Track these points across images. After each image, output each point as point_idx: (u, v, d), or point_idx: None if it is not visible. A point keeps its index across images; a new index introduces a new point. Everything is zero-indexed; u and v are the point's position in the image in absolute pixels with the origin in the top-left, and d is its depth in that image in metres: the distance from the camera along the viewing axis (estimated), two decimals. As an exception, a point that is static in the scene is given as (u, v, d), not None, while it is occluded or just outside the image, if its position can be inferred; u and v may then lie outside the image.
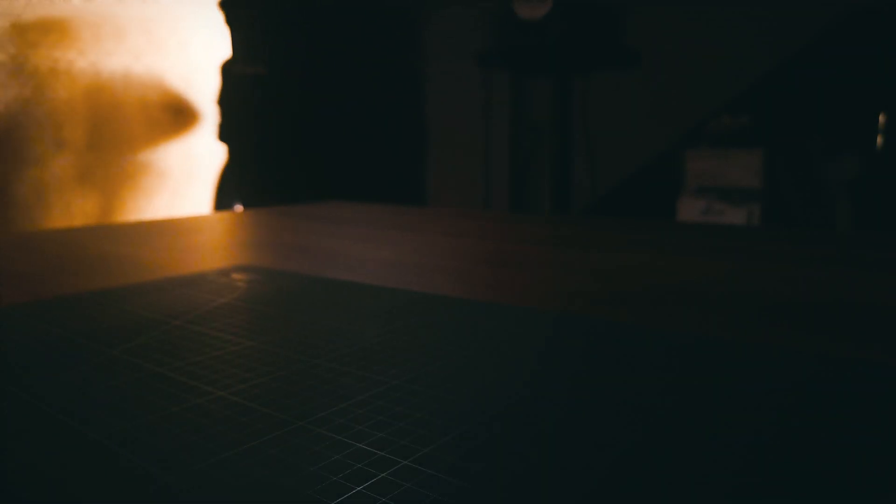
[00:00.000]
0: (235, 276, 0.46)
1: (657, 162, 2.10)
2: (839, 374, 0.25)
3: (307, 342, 0.30)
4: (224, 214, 0.91)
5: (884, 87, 1.70)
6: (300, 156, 2.15)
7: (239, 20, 1.98)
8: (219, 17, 2.01)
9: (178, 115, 1.92)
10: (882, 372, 0.25)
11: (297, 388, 0.24)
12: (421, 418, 0.21)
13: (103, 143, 1.87)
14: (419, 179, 2.65)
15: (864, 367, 0.25)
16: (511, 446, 0.19)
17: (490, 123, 2.50)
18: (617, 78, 2.09)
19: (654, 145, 2.11)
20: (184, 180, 2.01)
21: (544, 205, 1.91)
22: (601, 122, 2.18)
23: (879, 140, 1.72)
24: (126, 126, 1.91)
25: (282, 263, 0.52)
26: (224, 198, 2.05)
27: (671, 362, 0.26)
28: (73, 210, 1.77)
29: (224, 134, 2.02)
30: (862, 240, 0.59)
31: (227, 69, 2.02)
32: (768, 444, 0.19)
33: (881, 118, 1.71)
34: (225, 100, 2.02)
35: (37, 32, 1.66)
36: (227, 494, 0.17)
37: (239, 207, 2.11)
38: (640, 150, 2.16)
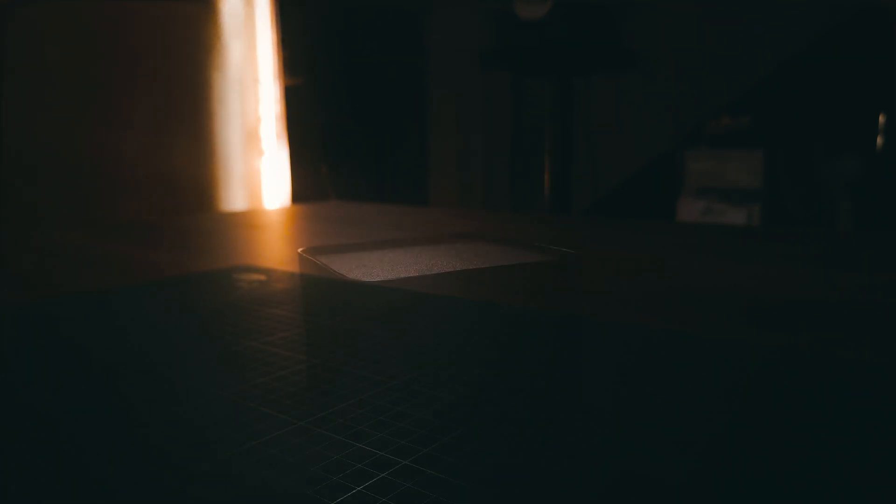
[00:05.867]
0: (236, 276, 0.46)
1: (657, 162, 2.10)
2: (836, 375, 0.25)
3: (307, 342, 0.30)
4: (224, 215, 0.91)
5: (884, 88, 1.70)
6: (300, 156, 2.15)
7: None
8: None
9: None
10: (875, 372, 0.25)
11: (297, 388, 0.24)
12: (421, 418, 0.21)
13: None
14: (419, 179, 2.65)
15: (862, 368, 0.25)
16: (512, 446, 0.19)
17: (490, 123, 2.50)
18: (617, 78, 2.09)
19: (654, 146, 2.11)
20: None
21: (544, 205, 1.91)
22: (601, 122, 2.18)
23: (880, 141, 1.72)
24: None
25: (282, 263, 0.52)
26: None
27: (671, 362, 0.26)
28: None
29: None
30: (861, 240, 0.59)
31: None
32: (761, 444, 0.19)
33: (881, 119, 1.71)
34: None
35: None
36: (228, 494, 0.17)
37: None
38: (640, 151, 2.16)
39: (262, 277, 0.45)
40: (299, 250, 0.24)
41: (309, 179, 2.12)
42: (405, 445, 0.20)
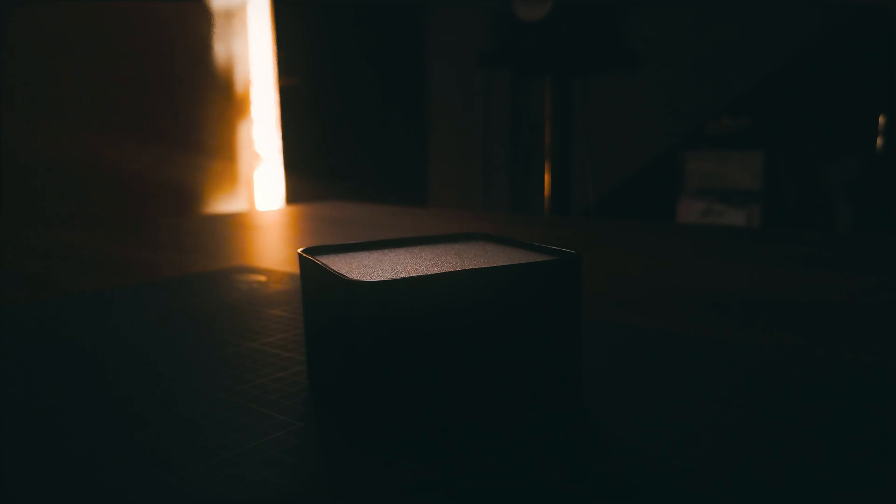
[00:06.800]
0: (236, 276, 0.46)
1: (657, 163, 2.10)
2: (827, 375, 0.25)
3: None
4: (224, 216, 0.91)
5: (884, 89, 1.70)
6: (299, 157, 2.16)
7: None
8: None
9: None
10: (870, 372, 0.25)
11: (297, 388, 0.24)
12: (421, 419, 0.21)
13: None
14: (419, 179, 2.65)
15: (853, 368, 0.25)
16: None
17: (490, 123, 2.50)
18: (617, 79, 2.09)
19: (654, 146, 2.11)
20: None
21: (544, 205, 1.91)
22: (601, 123, 2.18)
23: (879, 142, 1.72)
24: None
25: (282, 264, 0.52)
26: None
27: (670, 363, 0.26)
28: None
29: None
30: (861, 242, 0.59)
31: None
32: (761, 444, 0.19)
33: (881, 120, 1.71)
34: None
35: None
36: (228, 495, 0.17)
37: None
38: (639, 152, 2.16)
39: (262, 278, 0.45)
40: (299, 251, 0.24)
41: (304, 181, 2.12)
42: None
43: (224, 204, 1.90)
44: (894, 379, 0.24)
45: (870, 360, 0.27)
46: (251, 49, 1.97)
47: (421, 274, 0.20)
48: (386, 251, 0.26)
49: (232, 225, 0.78)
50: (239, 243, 0.63)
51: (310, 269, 0.23)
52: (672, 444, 0.19)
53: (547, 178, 1.87)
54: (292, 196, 2.10)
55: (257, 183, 2.02)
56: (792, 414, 0.21)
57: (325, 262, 0.23)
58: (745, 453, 0.19)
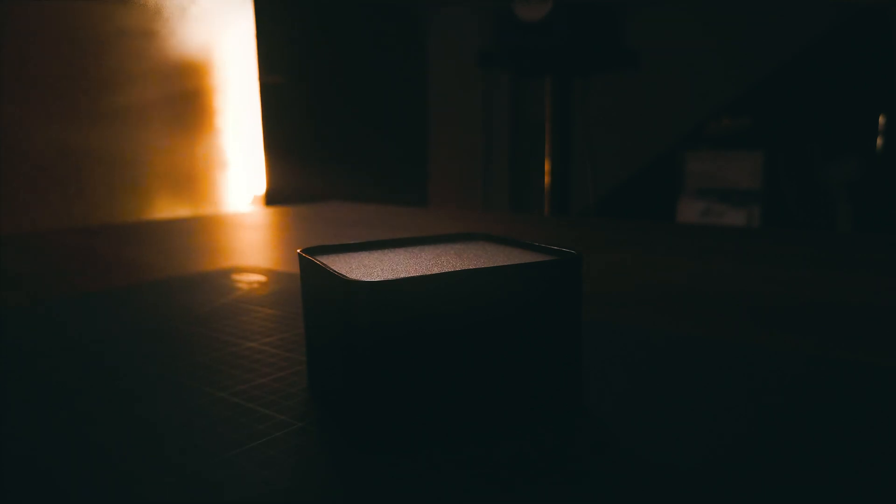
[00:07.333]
0: (235, 277, 0.46)
1: (657, 163, 2.10)
2: (828, 374, 0.25)
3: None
4: (223, 216, 0.91)
5: (884, 89, 1.70)
6: (299, 156, 2.15)
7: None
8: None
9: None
10: (870, 372, 0.25)
11: (297, 388, 0.24)
12: (421, 420, 0.21)
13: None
14: (419, 179, 2.65)
15: (853, 367, 0.25)
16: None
17: (490, 123, 2.50)
18: (617, 79, 2.09)
19: (654, 146, 2.11)
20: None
21: (544, 205, 1.91)
22: (601, 122, 2.18)
23: (879, 142, 1.72)
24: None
25: (282, 264, 0.52)
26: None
27: (667, 362, 0.26)
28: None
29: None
30: (856, 242, 0.59)
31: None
32: (755, 444, 0.19)
33: (881, 120, 1.71)
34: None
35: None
36: (228, 495, 0.17)
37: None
38: (639, 152, 2.16)
39: (262, 278, 0.45)
40: (299, 251, 0.24)
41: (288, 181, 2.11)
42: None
43: (200, 205, 1.90)
44: (894, 379, 0.24)
45: (870, 360, 0.27)
46: (247, 47, 1.96)
47: (421, 274, 0.20)
48: (386, 251, 0.26)
49: (230, 225, 0.78)
50: (238, 243, 0.63)
51: (310, 269, 0.23)
52: (672, 444, 0.19)
53: (547, 178, 1.87)
54: (293, 197, 2.10)
55: (237, 183, 2.01)
56: (792, 414, 0.21)
57: (325, 262, 0.23)
58: (745, 453, 0.19)
